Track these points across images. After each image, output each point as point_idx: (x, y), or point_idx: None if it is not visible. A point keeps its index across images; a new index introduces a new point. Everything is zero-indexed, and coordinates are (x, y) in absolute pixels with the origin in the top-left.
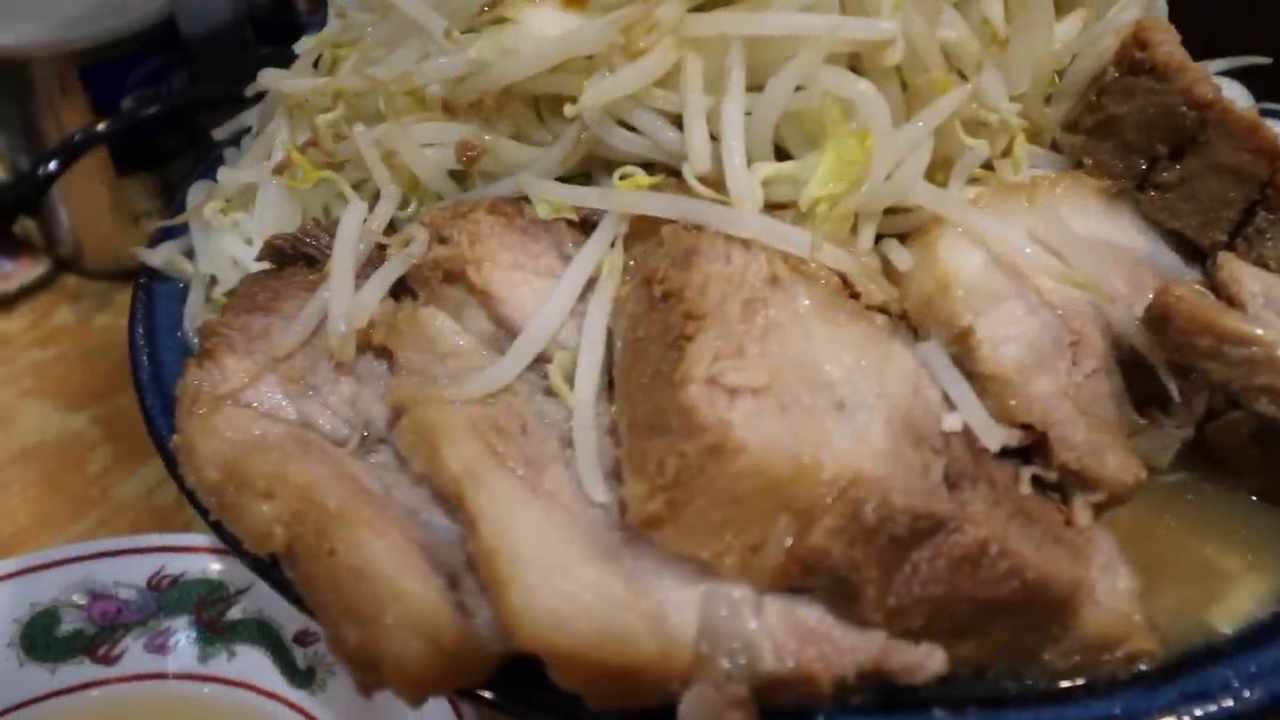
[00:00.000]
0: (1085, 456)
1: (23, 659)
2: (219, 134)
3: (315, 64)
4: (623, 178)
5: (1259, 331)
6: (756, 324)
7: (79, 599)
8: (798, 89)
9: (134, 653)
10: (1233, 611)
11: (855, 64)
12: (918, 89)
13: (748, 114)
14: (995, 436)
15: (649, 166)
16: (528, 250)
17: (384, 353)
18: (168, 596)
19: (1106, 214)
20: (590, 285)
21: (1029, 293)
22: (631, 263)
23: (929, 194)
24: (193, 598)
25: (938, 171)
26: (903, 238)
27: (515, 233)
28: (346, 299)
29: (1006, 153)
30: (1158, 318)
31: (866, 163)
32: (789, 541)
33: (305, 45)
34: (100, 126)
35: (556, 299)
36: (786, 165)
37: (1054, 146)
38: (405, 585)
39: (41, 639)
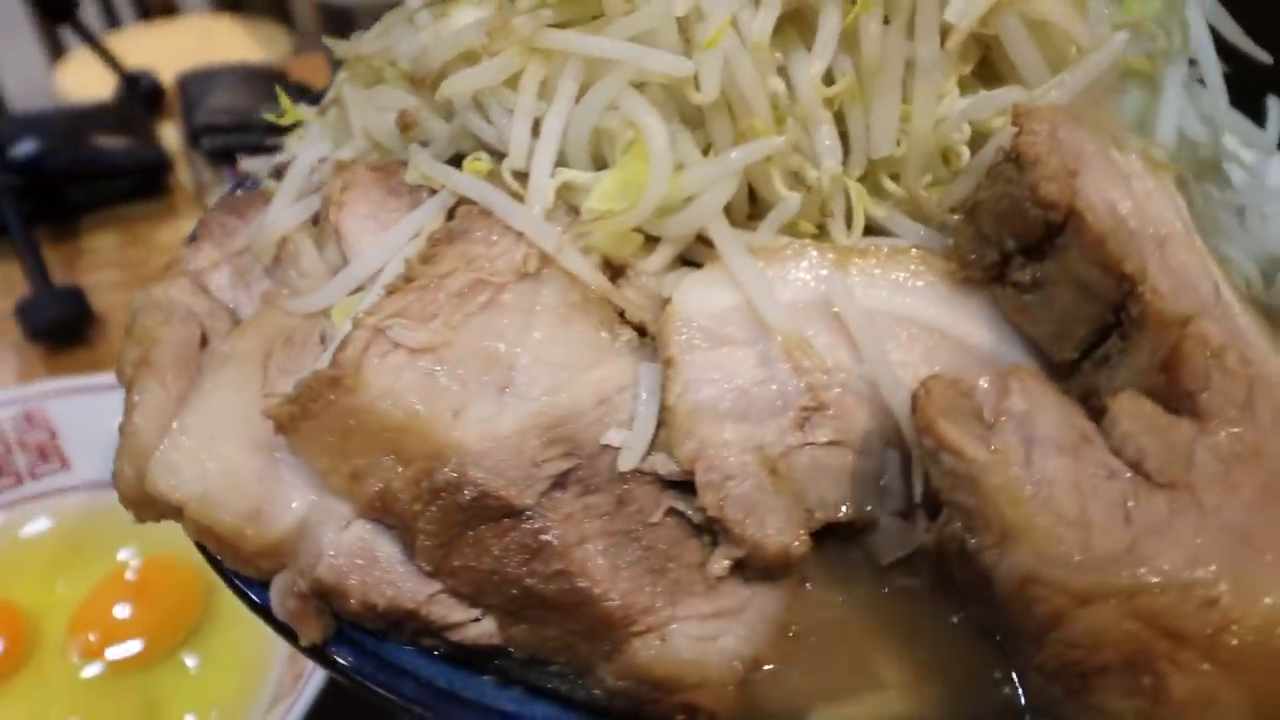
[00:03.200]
0: (730, 509)
1: None
2: None
3: None
4: (476, 160)
5: (970, 447)
6: (473, 301)
7: None
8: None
9: None
10: (841, 718)
11: None
12: (741, 132)
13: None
14: (629, 458)
15: None
16: (385, 205)
17: None
18: None
19: (944, 299)
20: None
21: (771, 348)
22: None
23: (718, 230)
24: None
25: None
26: None
27: (381, 189)
28: (275, 215)
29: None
30: (911, 407)
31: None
32: (384, 480)
33: (385, 16)
34: None
35: (377, 248)
36: (583, 175)
37: None
38: (139, 423)
39: None
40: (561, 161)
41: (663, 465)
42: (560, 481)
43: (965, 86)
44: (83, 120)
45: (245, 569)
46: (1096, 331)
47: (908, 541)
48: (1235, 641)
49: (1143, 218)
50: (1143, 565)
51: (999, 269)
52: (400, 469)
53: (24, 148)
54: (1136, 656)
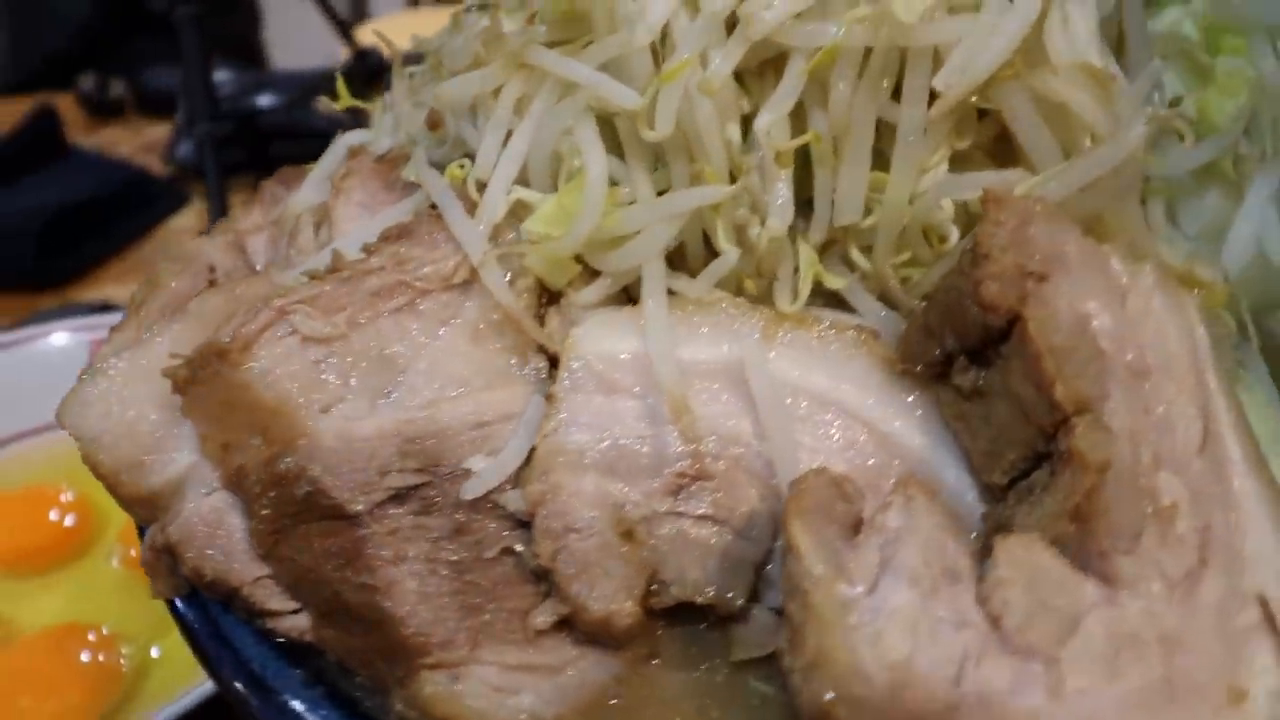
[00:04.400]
0: (563, 562)
1: None
2: None
3: None
4: (459, 166)
5: (810, 555)
6: (388, 302)
7: None
8: None
9: None
10: None
11: None
12: (695, 176)
13: None
14: (474, 486)
15: None
16: (378, 198)
17: None
18: None
19: (881, 390)
20: None
21: (661, 405)
22: None
23: (648, 272)
24: None
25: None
26: None
27: (379, 181)
28: (302, 192)
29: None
30: None
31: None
32: (246, 457)
33: None
34: None
35: (352, 236)
36: (535, 195)
37: None
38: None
39: None
40: (526, 180)
41: (513, 502)
42: (401, 496)
43: (973, 163)
44: (311, 84)
45: (129, 513)
46: (1028, 459)
47: (768, 642)
48: None
49: (1123, 341)
50: None
51: (942, 368)
52: (261, 449)
53: (255, 101)
54: None
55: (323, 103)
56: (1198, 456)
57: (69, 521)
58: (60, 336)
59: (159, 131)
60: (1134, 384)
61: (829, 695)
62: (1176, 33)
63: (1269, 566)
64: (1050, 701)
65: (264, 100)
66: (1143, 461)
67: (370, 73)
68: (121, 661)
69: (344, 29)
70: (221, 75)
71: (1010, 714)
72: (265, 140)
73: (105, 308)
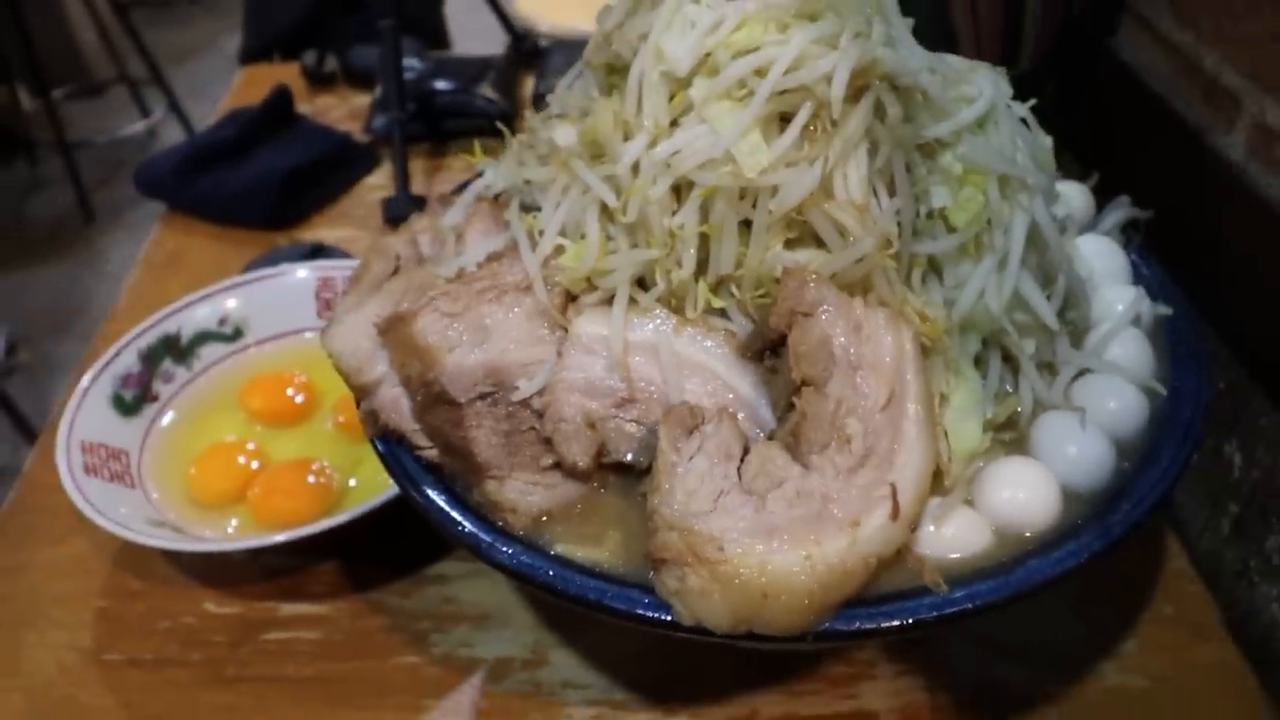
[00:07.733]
0: (556, 435)
1: None
2: None
3: None
4: (533, 217)
5: (664, 438)
6: (486, 296)
7: None
8: None
9: None
10: (570, 551)
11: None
12: (647, 242)
13: None
14: (518, 394)
15: None
16: (490, 230)
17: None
18: None
19: (732, 363)
20: None
21: (613, 362)
22: None
23: (619, 292)
24: None
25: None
26: None
27: (492, 218)
28: (450, 214)
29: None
30: None
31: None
32: (411, 371)
33: None
34: None
35: (473, 253)
36: (567, 243)
37: None
38: (337, 311)
39: None
40: (564, 233)
41: (536, 404)
42: (484, 395)
43: (805, 244)
44: (474, 73)
45: (354, 394)
46: (790, 407)
47: None
48: (723, 569)
49: (849, 351)
50: (701, 522)
51: (761, 355)
52: (418, 367)
53: (432, 84)
54: (678, 560)
55: (481, 87)
56: (880, 413)
57: (300, 397)
58: (301, 272)
59: (361, 101)
60: (850, 373)
61: (655, 501)
62: (950, 169)
63: (909, 470)
64: (754, 514)
65: (439, 84)
66: (840, 413)
67: (525, 55)
68: (333, 484)
69: (504, 18)
70: (408, 62)
71: (732, 515)
72: (439, 117)
73: (318, 246)
